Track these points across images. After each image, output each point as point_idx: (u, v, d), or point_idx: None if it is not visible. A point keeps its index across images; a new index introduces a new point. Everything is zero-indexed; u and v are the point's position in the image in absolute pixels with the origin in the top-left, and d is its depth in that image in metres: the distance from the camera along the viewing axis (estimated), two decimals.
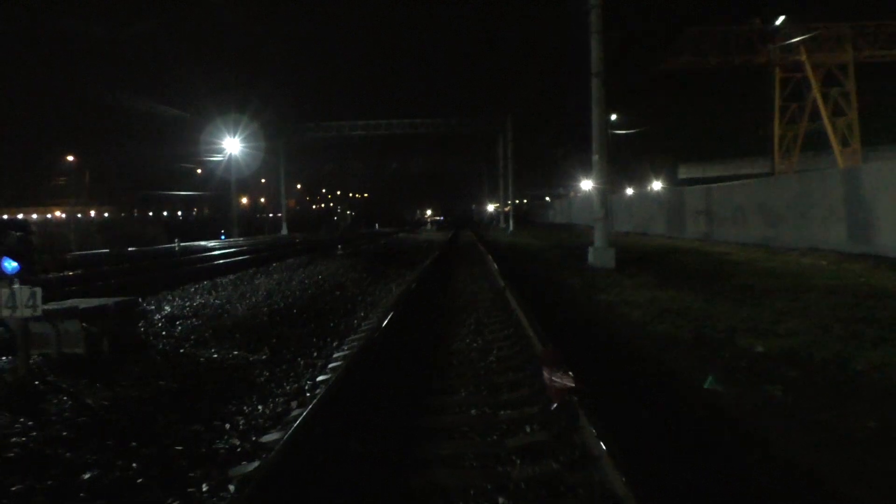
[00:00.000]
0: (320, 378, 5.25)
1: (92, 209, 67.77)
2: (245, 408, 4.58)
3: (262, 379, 5.37)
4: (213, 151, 49.07)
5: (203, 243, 37.06)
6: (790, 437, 3.73)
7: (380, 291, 11.53)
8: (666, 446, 3.59)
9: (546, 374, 3.97)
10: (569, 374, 3.81)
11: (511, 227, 50.19)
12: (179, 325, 7.93)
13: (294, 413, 4.25)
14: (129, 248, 30.69)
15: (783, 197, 19.64)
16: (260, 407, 4.56)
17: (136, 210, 70.10)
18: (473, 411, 4.19)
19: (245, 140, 49.17)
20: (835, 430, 3.82)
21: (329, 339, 7.15)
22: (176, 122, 58.70)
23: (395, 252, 23.74)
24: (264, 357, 6.16)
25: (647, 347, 6.20)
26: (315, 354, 6.37)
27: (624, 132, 39.71)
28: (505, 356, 5.82)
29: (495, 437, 3.71)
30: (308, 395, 4.76)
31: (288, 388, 5.07)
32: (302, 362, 5.99)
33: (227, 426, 4.15)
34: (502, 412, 4.12)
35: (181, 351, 6.41)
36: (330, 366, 5.71)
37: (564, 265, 16.02)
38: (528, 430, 3.76)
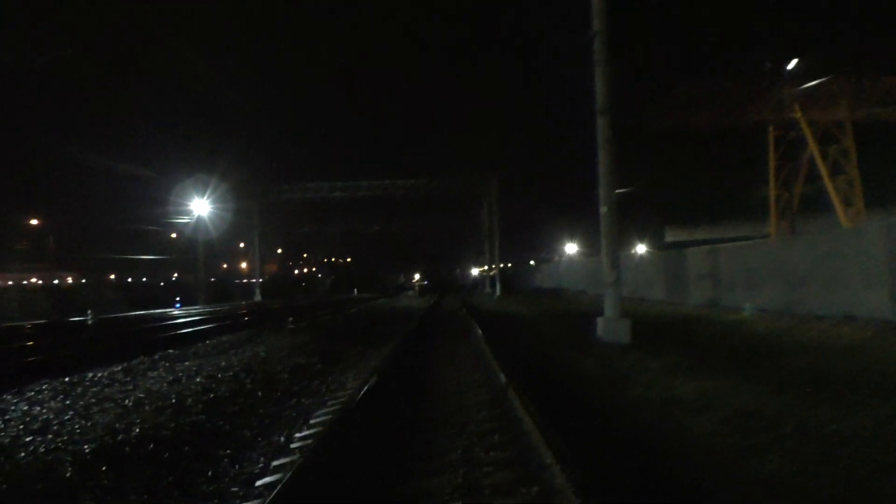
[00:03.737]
0: None
1: (68, 275, 64.25)
2: None
3: None
4: (184, 213, 46.36)
5: (155, 311, 33.62)
6: None
7: (326, 388, 8.44)
8: None
9: None
10: None
11: (498, 293, 47.34)
12: None
13: None
14: (70, 319, 27.43)
15: (807, 257, 17.29)
16: None
17: (110, 275, 66.58)
18: None
19: (216, 201, 46.53)
20: None
21: None
22: (143, 182, 56.12)
23: (366, 324, 20.65)
24: None
25: None
26: None
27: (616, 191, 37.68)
28: None
29: None
30: None
31: None
32: None
33: None
34: None
35: None
36: None
37: (568, 340, 13.24)
38: None
